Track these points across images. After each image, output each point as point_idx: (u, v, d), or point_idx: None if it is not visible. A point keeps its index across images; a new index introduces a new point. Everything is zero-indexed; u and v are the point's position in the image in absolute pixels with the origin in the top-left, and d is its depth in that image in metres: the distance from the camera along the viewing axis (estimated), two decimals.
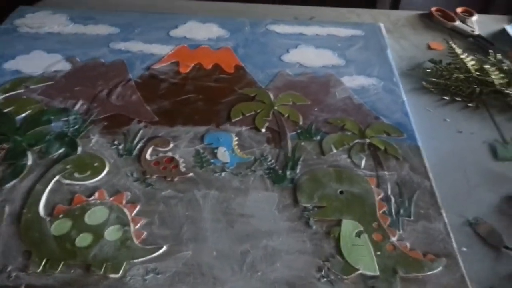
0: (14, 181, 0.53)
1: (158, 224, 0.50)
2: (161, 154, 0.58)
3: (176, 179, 0.55)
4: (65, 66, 0.73)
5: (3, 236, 0.47)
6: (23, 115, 0.63)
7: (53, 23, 0.84)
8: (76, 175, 0.54)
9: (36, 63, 0.74)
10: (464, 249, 0.51)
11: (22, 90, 0.68)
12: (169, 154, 0.59)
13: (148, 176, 0.55)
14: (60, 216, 0.49)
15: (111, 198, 0.52)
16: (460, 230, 0.53)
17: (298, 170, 0.57)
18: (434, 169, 0.60)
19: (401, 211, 0.53)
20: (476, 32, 0.88)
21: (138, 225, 0.49)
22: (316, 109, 0.67)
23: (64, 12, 0.88)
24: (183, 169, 0.56)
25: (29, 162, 0.56)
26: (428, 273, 0.46)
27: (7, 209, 0.50)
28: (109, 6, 0.94)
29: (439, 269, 0.46)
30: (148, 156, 0.58)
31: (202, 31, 0.84)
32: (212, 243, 0.48)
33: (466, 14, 0.94)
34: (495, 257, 0.51)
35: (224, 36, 0.83)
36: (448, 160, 0.63)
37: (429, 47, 0.85)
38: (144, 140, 0.60)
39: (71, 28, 0.83)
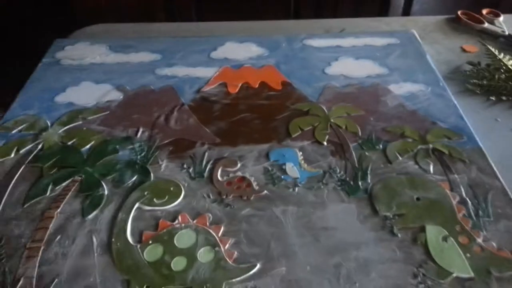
0: (95, 212, 0.54)
1: (246, 243, 0.50)
2: (231, 175, 0.59)
3: (252, 198, 0.56)
4: (117, 96, 0.75)
5: (98, 267, 0.48)
6: (87, 146, 0.64)
7: (94, 54, 0.86)
8: (155, 200, 0.55)
9: (87, 94, 0.75)
10: None
11: (80, 122, 0.69)
12: (239, 173, 0.60)
13: (224, 197, 0.56)
14: (150, 242, 0.50)
15: (195, 221, 0.52)
16: None
17: (369, 180, 0.58)
18: (497, 169, 0.61)
19: (480, 212, 0.53)
20: (506, 32, 0.91)
21: (227, 245, 0.50)
22: (372, 119, 0.68)
23: (102, 42, 0.89)
24: (256, 187, 0.57)
25: (106, 192, 0.56)
26: None
27: (95, 239, 0.51)
28: (143, 34, 0.96)
29: None
30: (219, 177, 0.59)
31: (241, 51, 0.86)
32: (303, 258, 0.49)
33: (492, 15, 0.96)
34: None
35: (263, 54, 0.85)
36: (508, 158, 0.64)
37: (464, 50, 0.87)
38: (211, 161, 0.61)
39: (113, 57, 0.85)
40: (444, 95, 0.73)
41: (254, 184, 0.58)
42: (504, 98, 0.75)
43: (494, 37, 0.91)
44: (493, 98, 0.75)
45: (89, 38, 0.93)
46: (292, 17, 1.30)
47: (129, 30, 0.99)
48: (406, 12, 1.43)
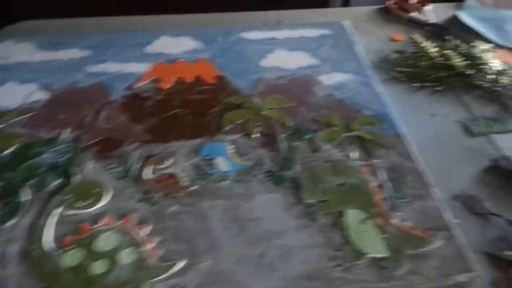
0: (14, 219, 0.52)
1: (172, 240, 0.51)
2: (160, 172, 0.59)
3: (180, 194, 0.56)
4: (43, 96, 0.72)
5: (14, 276, 0.46)
6: (9, 150, 0.61)
7: (20, 53, 0.82)
8: (78, 204, 0.54)
9: (11, 95, 0.72)
10: (458, 221, 0.56)
11: (3, 125, 0.66)
12: (169, 170, 0.59)
13: (152, 195, 0.56)
14: (71, 247, 0.49)
15: (119, 222, 0.52)
16: (449, 204, 0.58)
17: (297, 169, 0.60)
18: (419, 152, 0.65)
19: (397, 194, 0.56)
20: (432, 21, 0.95)
21: (153, 244, 0.50)
22: (302, 109, 0.70)
23: (29, 40, 0.85)
24: (186, 183, 0.57)
25: (26, 197, 0.54)
26: (431, 247, 0.50)
27: (12, 248, 0.49)
28: (75, 29, 0.92)
29: (441, 242, 0.51)
30: (148, 175, 0.58)
31: (177, 45, 0.85)
32: (228, 250, 0.50)
33: (421, 4, 1.01)
34: (483, 224, 0.55)
35: (199, 48, 0.84)
36: (428, 142, 0.67)
37: (392, 39, 0.91)
38: (140, 159, 0.61)
39: (41, 55, 0.81)
40: (370, 84, 0.76)
41: (184, 180, 0.58)
42: (427, 84, 0.79)
43: (421, 25, 0.96)
44: (417, 85, 0.79)
45: (16, 36, 0.89)
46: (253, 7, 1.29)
47: (60, 26, 0.95)
48: (346, 3, 1.46)
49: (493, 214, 0.56)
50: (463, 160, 0.64)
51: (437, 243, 0.50)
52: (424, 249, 0.50)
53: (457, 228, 0.53)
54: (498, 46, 0.88)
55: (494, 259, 0.51)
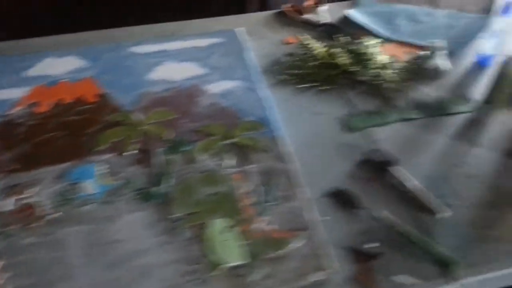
0: None
1: (23, 274, 0.48)
2: (22, 202, 0.56)
3: (40, 223, 0.53)
4: None
5: None
6: None
7: None
8: None
9: None
10: (327, 217, 0.56)
11: None
12: (32, 199, 0.56)
13: (9, 228, 0.52)
14: None
15: None
16: (321, 201, 0.58)
17: (171, 183, 0.58)
18: (298, 152, 0.66)
19: (267, 198, 0.56)
20: (326, 21, 0.97)
21: (2, 281, 0.47)
22: (184, 121, 0.69)
23: None
24: (46, 211, 0.55)
25: None
26: (291, 248, 0.50)
27: None
28: None
29: (302, 242, 0.51)
30: (8, 207, 0.55)
31: (60, 65, 0.81)
32: (83, 278, 0.48)
33: (316, 5, 1.03)
34: (350, 219, 0.56)
35: (84, 66, 0.81)
36: (309, 141, 0.68)
37: (285, 42, 0.92)
38: (5, 190, 0.57)
39: None
40: (255, 89, 0.76)
41: (46, 208, 0.55)
42: (314, 84, 0.80)
43: (314, 26, 0.98)
44: (305, 85, 0.81)
45: None
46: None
47: None
48: (263, 4, 1.47)
49: (358, 208, 0.57)
50: (340, 156, 0.65)
51: (297, 243, 0.51)
52: (284, 251, 0.50)
53: (320, 226, 0.54)
54: (388, 40, 0.92)
55: (355, 253, 0.52)
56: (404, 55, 0.87)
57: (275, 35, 0.95)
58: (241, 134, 0.66)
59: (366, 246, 0.51)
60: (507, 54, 0.69)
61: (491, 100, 0.73)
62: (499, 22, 0.77)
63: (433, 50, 0.81)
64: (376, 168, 0.62)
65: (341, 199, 0.58)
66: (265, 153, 0.63)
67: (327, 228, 0.54)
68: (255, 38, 0.94)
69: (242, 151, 0.64)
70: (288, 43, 0.92)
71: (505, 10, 0.76)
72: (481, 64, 0.83)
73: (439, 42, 0.81)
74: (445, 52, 0.83)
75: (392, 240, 0.53)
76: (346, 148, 0.66)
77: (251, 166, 0.61)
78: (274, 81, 0.82)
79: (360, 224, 0.55)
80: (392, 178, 0.61)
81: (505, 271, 0.50)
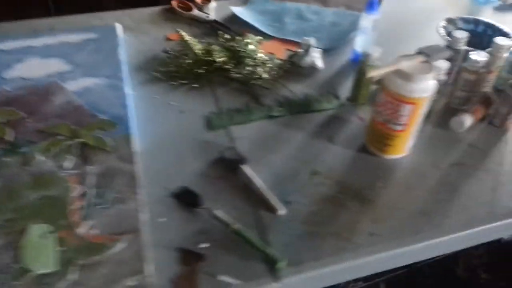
0: None
1: None
2: None
3: None
4: None
5: None
6: None
7: None
8: None
9: None
10: (164, 219, 0.54)
11: None
12: None
13: None
14: None
15: None
16: (164, 202, 0.56)
17: None
18: (151, 152, 0.63)
19: (98, 200, 0.53)
20: (213, 18, 0.96)
21: None
22: (30, 121, 0.64)
23: None
24: None
25: None
26: (110, 253, 0.47)
27: None
28: None
29: (122, 246, 0.48)
30: None
31: None
32: None
33: (205, 2, 1.01)
34: (192, 219, 0.54)
35: None
36: (167, 139, 0.66)
37: (167, 39, 0.90)
38: None
39: None
40: (118, 87, 0.72)
41: None
42: (185, 82, 0.78)
43: (200, 23, 0.96)
44: (175, 83, 0.78)
45: None
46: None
47: None
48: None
49: (200, 207, 0.55)
50: (196, 155, 0.63)
51: (117, 248, 0.48)
52: (100, 256, 0.47)
53: (147, 228, 0.51)
54: (271, 37, 0.91)
55: (183, 255, 0.49)
56: (283, 53, 0.87)
57: (159, 31, 0.92)
58: (88, 133, 0.62)
59: (197, 247, 0.49)
60: (364, 51, 0.70)
61: (353, 97, 0.75)
62: (364, 19, 0.79)
63: (306, 47, 0.82)
64: (228, 166, 0.61)
65: (185, 199, 0.56)
66: (109, 154, 0.59)
67: (161, 230, 0.51)
68: (137, 33, 0.90)
69: (85, 152, 0.60)
70: (170, 40, 0.89)
71: (369, 7, 0.78)
72: (353, 62, 0.85)
73: (311, 40, 0.82)
74: (319, 49, 0.84)
75: (225, 239, 0.51)
76: (204, 147, 0.64)
77: (91, 167, 0.57)
78: (145, 78, 0.79)
79: (198, 224, 0.53)
80: (242, 176, 0.60)
81: (332, 268, 0.50)
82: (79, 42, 0.83)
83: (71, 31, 0.85)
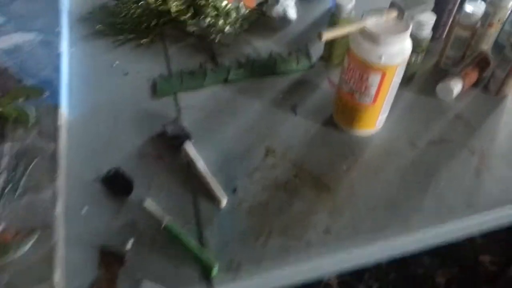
0: None
1: None
2: None
3: None
4: None
5: None
6: None
7: None
8: None
9: None
10: (85, 211, 0.46)
11: None
12: None
13: None
14: None
15: None
16: (88, 188, 0.48)
17: None
18: (83, 124, 0.55)
19: (8, 187, 0.46)
20: None
21: None
22: None
23: None
24: None
25: None
26: (13, 256, 0.41)
27: None
28: None
29: (30, 247, 0.42)
30: None
31: None
32: None
33: None
34: (119, 209, 0.47)
35: None
36: (104, 109, 0.57)
37: None
38: None
39: None
40: (53, 43, 0.62)
41: None
42: (132, 36, 0.67)
43: None
44: (121, 38, 0.67)
45: None
46: None
47: None
48: None
49: (130, 195, 0.48)
50: (137, 128, 0.55)
51: (24, 249, 0.41)
52: (1, 259, 0.40)
53: (63, 223, 0.44)
54: None
55: (102, 256, 0.43)
56: (254, 1, 0.74)
57: None
58: (11, 102, 0.54)
59: (121, 246, 0.43)
60: (337, 0, 0.58)
61: (326, 57, 0.63)
62: None
63: None
64: (169, 144, 0.53)
65: (114, 185, 0.48)
66: (29, 128, 0.51)
67: (81, 224, 0.45)
68: None
69: (4, 126, 0.52)
70: None
71: None
72: (332, 12, 0.72)
73: None
74: None
75: (155, 237, 0.44)
76: (147, 118, 0.56)
77: (9, 144, 0.49)
78: (88, 32, 0.68)
79: (126, 217, 0.46)
80: (184, 156, 0.52)
81: (275, 273, 0.43)
82: None
83: None
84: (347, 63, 0.47)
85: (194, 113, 0.57)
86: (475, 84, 0.59)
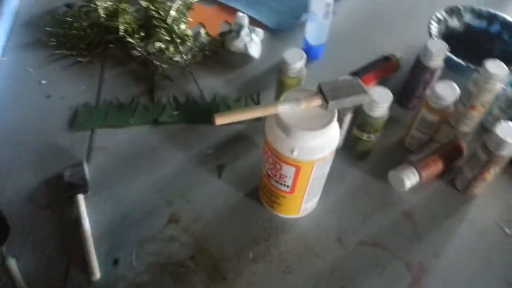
0: None
1: None
2: None
3: None
4: None
5: None
6: None
7: None
8: None
9: None
10: None
11: None
12: None
13: None
14: None
15: None
16: None
17: None
18: None
19: None
20: None
21: None
22: None
23: None
24: None
25: None
26: None
27: None
28: None
29: None
30: None
31: None
32: None
33: None
34: None
35: None
36: (11, 133, 0.51)
37: None
38: None
39: None
40: None
41: None
42: (73, 52, 0.60)
43: None
44: (59, 52, 0.59)
45: None
46: None
47: None
48: None
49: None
50: (35, 165, 0.48)
51: None
52: None
53: None
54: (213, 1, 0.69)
55: None
56: (218, 26, 0.66)
57: None
58: None
59: None
60: (284, 55, 0.47)
61: None
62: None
63: (238, 28, 0.61)
64: (63, 191, 0.46)
65: None
66: None
67: None
68: None
69: None
70: None
71: None
72: (305, 53, 0.63)
73: (245, 18, 0.60)
74: (259, 31, 0.62)
75: None
76: (53, 155, 0.49)
77: None
78: (27, 40, 0.61)
79: None
80: (75, 210, 0.45)
81: None
82: None
83: None
84: (263, 143, 0.39)
85: (105, 157, 0.50)
86: (442, 175, 0.49)
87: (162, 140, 0.52)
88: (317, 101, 0.36)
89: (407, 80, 0.55)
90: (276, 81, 0.51)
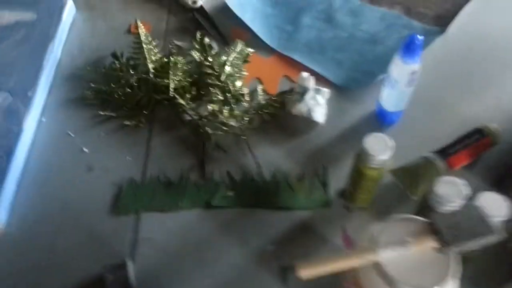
0: None
1: None
2: None
3: None
4: None
5: None
6: None
7: None
8: None
9: None
10: None
11: None
12: None
13: None
14: None
15: None
16: None
17: None
18: (21, 236, 0.44)
19: None
20: (199, 4, 0.67)
21: None
22: None
23: None
24: None
25: None
26: None
27: None
28: None
29: None
30: None
31: None
32: None
33: None
34: None
35: None
36: (47, 220, 0.45)
37: (130, 31, 0.64)
38: None
39: None
40: (18, 112, 0.50)
41: None
42: (114, 114, 0.53)
43: (185, 9, 0.68)
44: (103, 114, 0.53)
45: None
46: None
47: None
48: None
49: None
50: (68, 261, 0.43)
51: None
52: None
53: None
54: (275, 51, 0.60)
55: None
56: (277, 83, 0.58)
57: (126, 16, 0.65)
58: None
59: None
60: (363, 143, 0.39)
61: (348, 195, 0.46)
62: (396, 67, 0.46)
63: (302, 90, 0.52)
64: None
65: None
66: None
67: None
68: (96, 15, 0.66)
69: None
70: (133, 33, 0.63)
71: (406, 51, 0.43)
72: (379, 117, 0.54)
73: (311, 80, 0.51)
74: (325, 91, 0.53)
75: None
76: (92, 247, 0.43)
77: None
78: (70, 96, 0.56)
79: None
80: None
81: None
82: (9, 24, 0.61)
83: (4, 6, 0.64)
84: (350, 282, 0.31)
85: (152, 252, 0.43)
86: None
87: (214, 229, 0.45)
88: (430, 243, 0.27)
89: (507, 159, 0.45)
90: (352, 166, 0.43)
